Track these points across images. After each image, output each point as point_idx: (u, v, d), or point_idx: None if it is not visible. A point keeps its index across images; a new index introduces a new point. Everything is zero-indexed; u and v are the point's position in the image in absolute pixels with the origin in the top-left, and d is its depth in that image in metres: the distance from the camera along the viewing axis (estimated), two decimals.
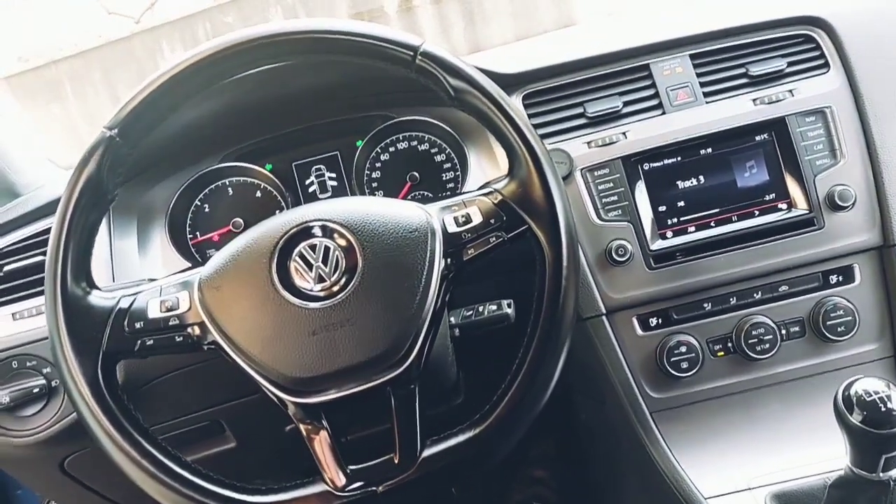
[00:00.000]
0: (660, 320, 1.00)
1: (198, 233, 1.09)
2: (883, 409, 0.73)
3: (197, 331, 0.73)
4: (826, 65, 1.01)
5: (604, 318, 0.99)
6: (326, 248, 0.73)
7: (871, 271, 0.99)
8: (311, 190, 1.11)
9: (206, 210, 1.09)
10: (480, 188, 0.80)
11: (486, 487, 1.51)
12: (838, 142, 0.98)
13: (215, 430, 1.09)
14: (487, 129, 0.78)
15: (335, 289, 0.72)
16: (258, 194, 1.09)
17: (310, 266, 0.72)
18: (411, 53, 0.76)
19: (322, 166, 1.10)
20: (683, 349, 0.98)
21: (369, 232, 0.73)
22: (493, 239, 0.75)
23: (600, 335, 0.99)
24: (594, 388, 1.04)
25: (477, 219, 0.76)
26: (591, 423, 1.23)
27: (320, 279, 0.72)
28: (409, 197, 1.08)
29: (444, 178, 1.09)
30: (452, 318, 0.93)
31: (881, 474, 0.76)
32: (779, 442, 0.97)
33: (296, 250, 0.73)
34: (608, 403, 1.01)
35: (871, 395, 0.74)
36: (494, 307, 0.92)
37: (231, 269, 0.74)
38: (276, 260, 0.73)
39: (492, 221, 0.76)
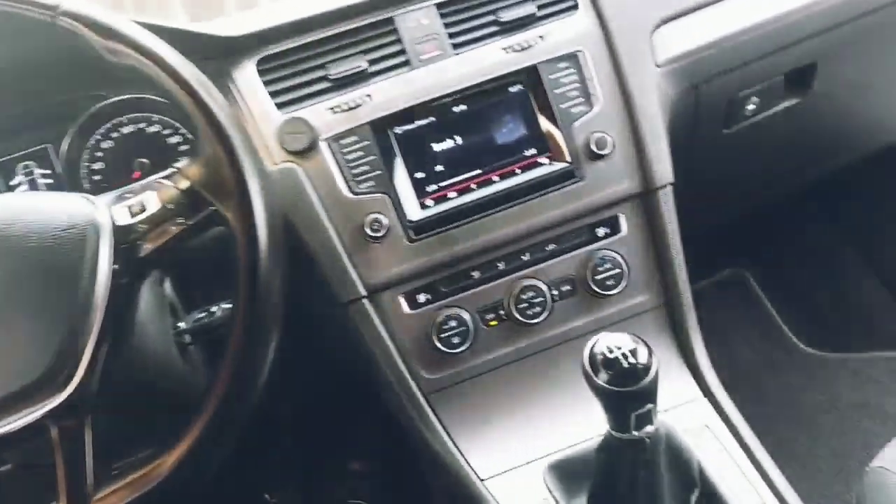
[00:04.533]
0: (428, 296, 0.92)
1: None
2: (626, 364, 0.68)
3: None
4: (575, 5, 0.96)
5: (364, 300, 0.90)
6: None
7: (636, 220, 0.96)
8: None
9: None
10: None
11: (304, 484, 1.41)
12: (592, 87, 0.93)
13: None
14: (163, 97, 0.66)
15: None
16: None
17: None
18: (50, 13, 0.63)
19: (31, 163, 0.94)
20: (454, 323, 0.91)
21: (2, 237, 0.60)
22: (174, 228, 0.64)
23: (364, 320, 0.90)
24: (367, 376, 0.96)
25: (153, 206, 0.65)
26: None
27: None
28: None
29: (172, 150, 0.96)
30: (183, 324, 0.82)
31: (634, 433, 0.72)
32: (559, 408, 0.93)
33: None
34: (383, 390, 0.93)
35: (613, 353, 0.69)
36: (229, 305, 0.82)
37: None
38: None
39: (170, 207, 0.64)
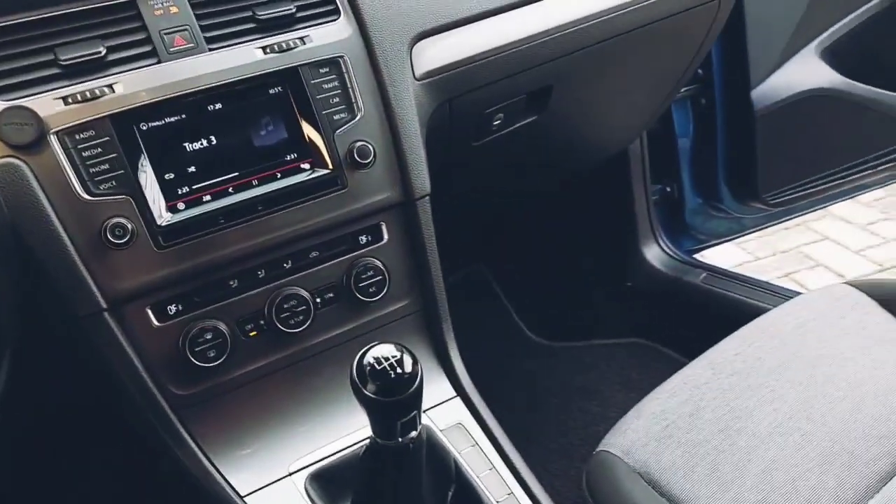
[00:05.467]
0: (180, 306, 0.86)
1: None
2: (393, 375, 0.70)
3: None
4: (336, 10, 0.95)
5: (105, 314, 0.81)
6: None
7: (397, 228, 0.98)
8: None
9: None
10: None
11: None
12: (354, 95, 0.93)
13: None
14: None
15: None
16: None
17: None
18: None
19: None
20: (209, 336, 0.86)
21: None
22: None
23: (104, 335, 0.82)
24: (110, 397, 0.87)
25: None
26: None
27: None
28: None
29: None
30: None
31: (400, 439, 0.74)
32: (321, 416, 0.93)
33: None
34: (128, 410, 0.85)
35: (381, 364, 0.70)
36: None
37: None
38: None
39: None
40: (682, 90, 1.74)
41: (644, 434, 0.93)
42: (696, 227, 2.01)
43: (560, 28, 1.11)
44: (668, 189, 1.97)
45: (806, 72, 1.76)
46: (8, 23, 0.80)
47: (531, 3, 1.10)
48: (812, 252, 2.73)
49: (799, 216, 2.13)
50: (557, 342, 1.92)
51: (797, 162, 1.87)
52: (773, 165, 1.83)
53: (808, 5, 1.69)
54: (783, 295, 1.65)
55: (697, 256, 1.99)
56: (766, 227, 2.16)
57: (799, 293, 1.52)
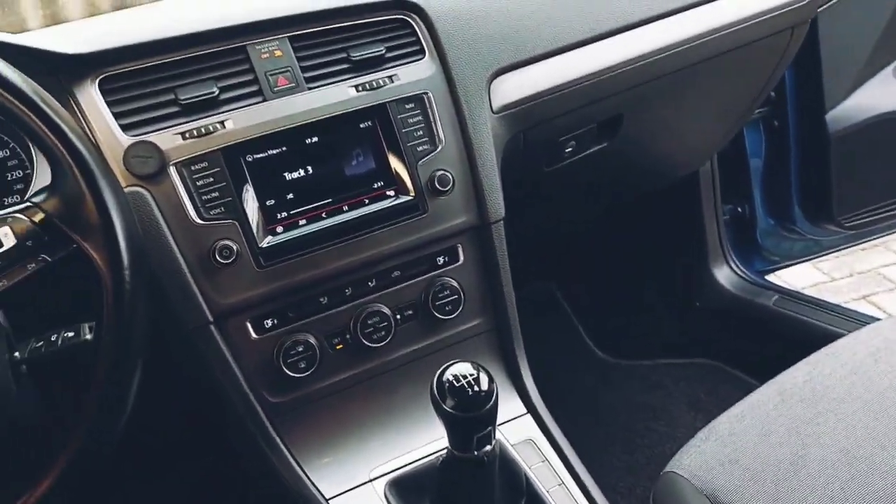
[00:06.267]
0: (275, 320, 0.95)
1: None
2: (470, 392, 0.76)
3: None
4: (422, 51, 1.03)
5: (211, 326, 0.90)
6: None
7: (472, 250, 1.05)
8: None
9: None
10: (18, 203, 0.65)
11: None
12: (436, 128, 1.00)
13: None
14: (16, 127, 0.63)
15: None
16: None
17: None
18: None
19: None
20: (301, 348, 0.94)
21: None
22: (33, 265, 0.62)
23: (210, 346, 0.91)
24: (209, 401, 0.96)
25: (9, 242, 0.62)
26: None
27: None
28: None
29: (9, 178, 0.90)
30: (18, 353, 0.78)
31: (475, 452, 0.80)
32: (401, 427, 0.99)
33: None
34: (228, 414, 0.94)
35: (459, 381, 0.77)
36: (71, 333, 0.78)
37: None
38: None
39: (29, 244, 0.62)
40: (755, 112, 1.75)
41: (712, 457, 0.95)
42: (769, 248, 2.00)
43: (630, 62, 1.16)
44: (740, 209, 1.97)
45: (883, 94, 1.74)
46: (136, 67, 0.90)
47: (602, 39, 1.15)
48: (891, 274, 2.66)
49: (876, 238, 2.09)
50: (624, 360, 1.94)
51: (873, 185, 1.85)
52: (849, 188, 1.81)
53: (885, 28, 1.67)
54: (857, 320, 1.63)
55: (769, 278, 1.97)
56: (842, 249, 2.13)
57: (874, 318, 1.51)
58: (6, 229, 0.62)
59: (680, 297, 1.94)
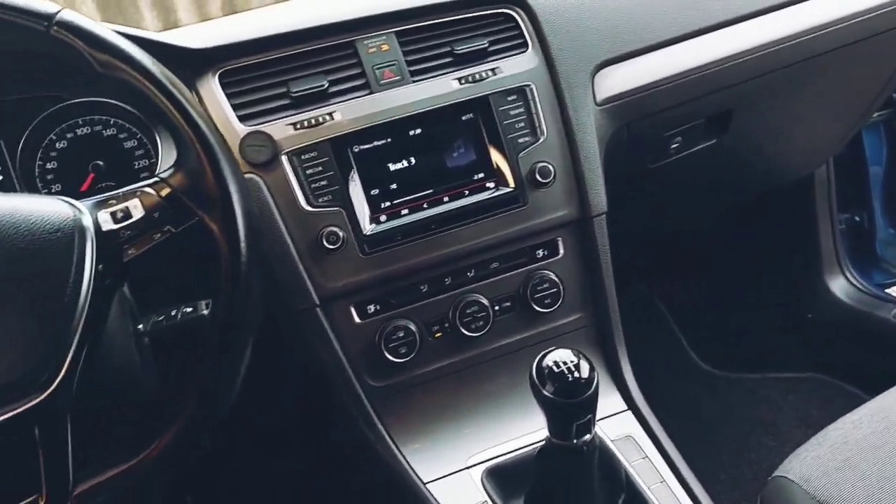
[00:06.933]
0: (378, 306, 0.97)
1: None
2: (570, 378, 0.75)
3: None
4: (525, 44, 1.03)
5: (318, 309, 0.94)
6: None
7: (573, 244, 1.04)
8: None
9: None
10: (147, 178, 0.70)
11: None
12: (538, 120, 1.00)
13: None
14: (148, 110, 0.69)
15: None
16: None
17: None
18: (45, 23, 0.64)
19: None
20: (401, 334, 0.96)
21: None
22: (159, 235, 0.67)
23: (316, 328, 0.94)
24: (316, 383, 0.99)
25: (138, 213, 0.67)
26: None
27: None
28: (96, 189, 0.95)
29: (136, 167, 0.97)
30: (142, 326, 0.83)
31: (574, 441, 0.79)
32: (498, 416, 0.99)
33: None
34: (331, 394, 0.97)
35: (559, 367, 0.76)
36: (190, 309, 0.84)
37: None
38: None
39: (156, 216, 0.67)
40: (875, 115, 1.65)
41: (825, 462, 0.90)
42: (889, 260, 1.88)
43: (741, 54, 1.12)
44: (857, 218, 1.86)
45: None
46: (253, 62, 0.96)
47: (710, 31, 1.12)
48: None
49: None
50: (728, 372, 1.86)
51: None
52: None
53: None
54: None
55: (890, 291, 1.85)
56: None
57: None
58: (136, 202, 0.67)
59: (789, 307, 1.85)
